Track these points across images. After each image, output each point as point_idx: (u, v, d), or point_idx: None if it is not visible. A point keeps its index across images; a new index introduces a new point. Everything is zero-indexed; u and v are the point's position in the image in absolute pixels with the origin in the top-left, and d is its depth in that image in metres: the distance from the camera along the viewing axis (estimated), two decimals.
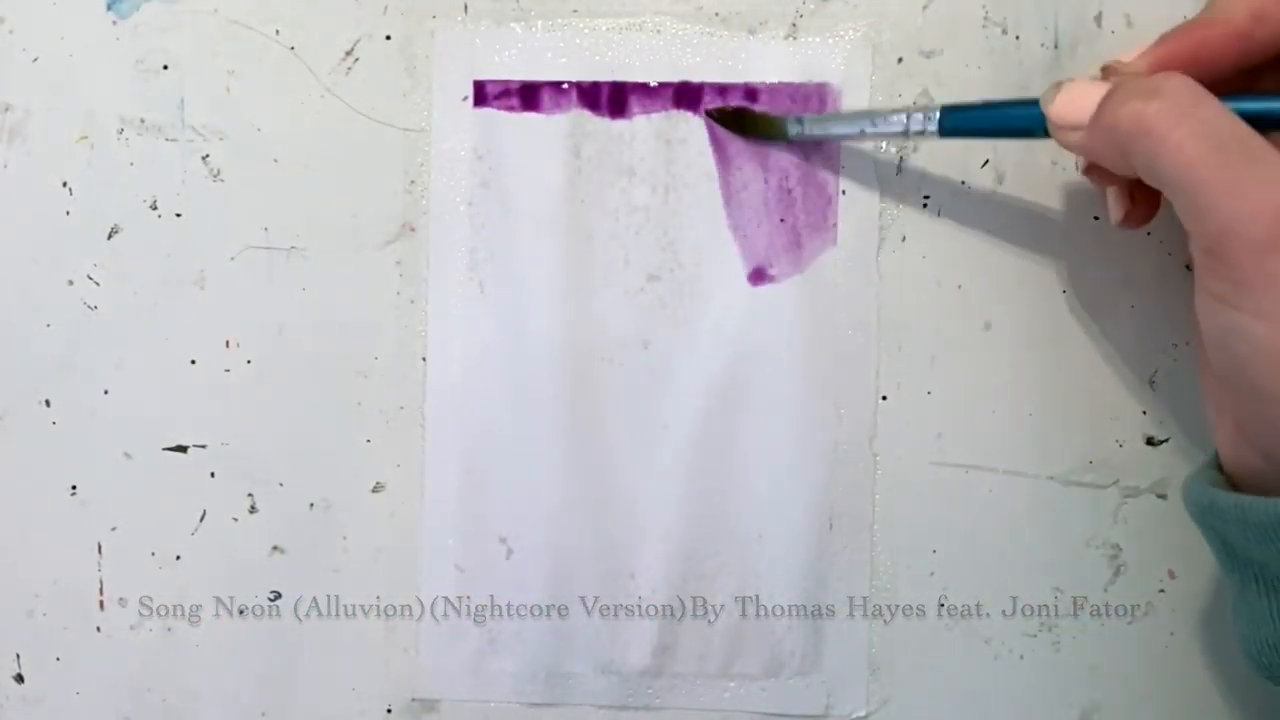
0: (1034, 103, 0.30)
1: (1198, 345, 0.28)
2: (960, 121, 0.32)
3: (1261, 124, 0.27)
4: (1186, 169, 0.25)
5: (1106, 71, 0.29)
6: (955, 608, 0.36)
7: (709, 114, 0.35)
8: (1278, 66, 0.28)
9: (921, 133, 0.32)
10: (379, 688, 0.37)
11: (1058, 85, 0.29)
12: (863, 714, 0.36)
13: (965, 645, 0.36)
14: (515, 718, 0.37)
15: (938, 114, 0.32)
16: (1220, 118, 0.25)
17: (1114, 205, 0.31)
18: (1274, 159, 0.25)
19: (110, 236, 0.37)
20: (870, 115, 0.33)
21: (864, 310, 0.36)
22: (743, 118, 0.35)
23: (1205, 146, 0.25)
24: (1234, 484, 0.29)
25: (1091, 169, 0.31)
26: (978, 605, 0.36)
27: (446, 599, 0.36)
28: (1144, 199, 0.31)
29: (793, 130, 0.34)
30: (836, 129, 0.34)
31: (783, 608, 0.36)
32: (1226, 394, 0.28)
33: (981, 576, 0.36)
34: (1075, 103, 0.28)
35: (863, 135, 0.34)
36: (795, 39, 0.35)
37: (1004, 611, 0.36)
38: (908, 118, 0.32)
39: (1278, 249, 0.24)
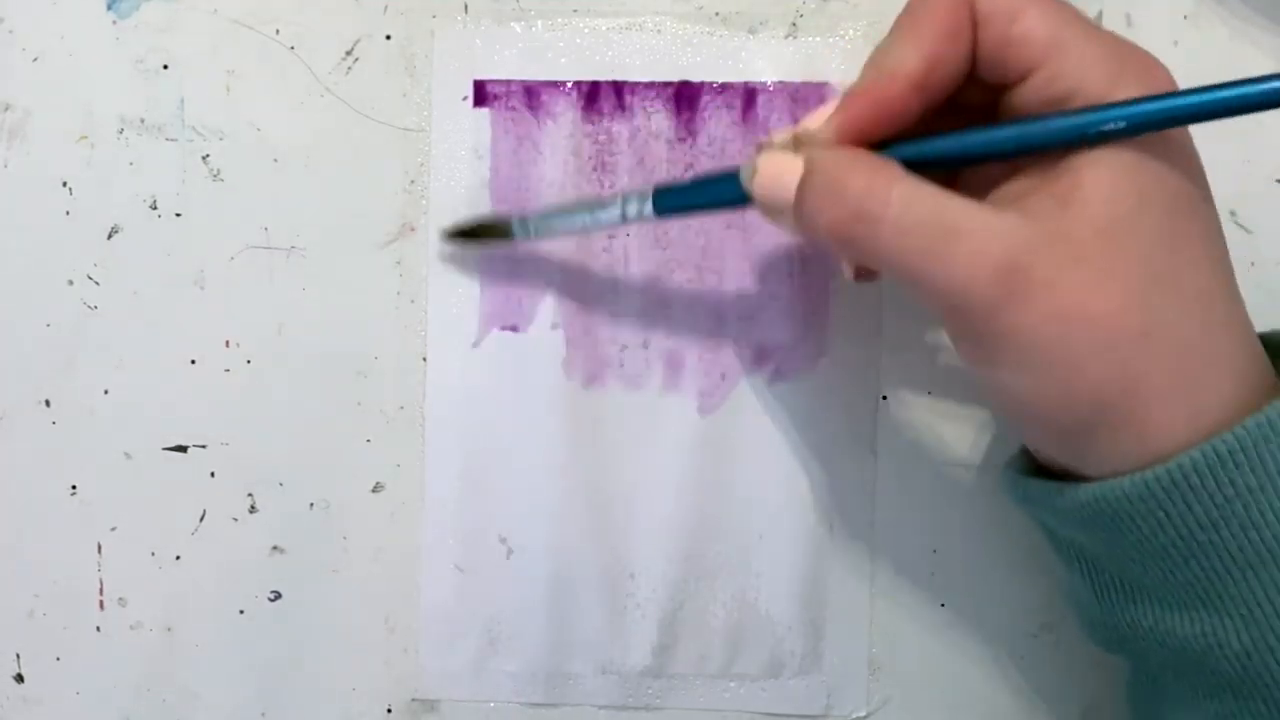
0: (733, 175, 0.29)
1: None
2: (672, 201, 0.31)
3: (947, 163, 0.28)
4: (897, 266, 0.27)
5: (797, 142, 0.28)
6: (955, 608, 0.36)
7: (444, 235, 0.35)
8: (951, 100, 0.28)
9: (639, 215, 0.31)
10: (379, 688, 0.37)
11: (754, 163, 0.29)
12: (863, 714, 0.36)
13: (965, 645, 0.36)
14: (515, 718, 0.37)
15: (650, 198, 0.31)
16: (910, 207, 0.26)
17: (845, 265, 0.31)
18: (973, 223, 0.26)
19: (110, 236, 0.37)
20: (589, 206, 0.33)
21: (864, 310, 0.36)
22: (475, 230, 0.35)
23: (907, 241, 0.26)
24: (1041, 467, 0.30)
25: (808, 244, 0.31)
26: (978, 605, 0.36)
27: (446, 599, 0.36)
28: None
29: (518, 233, 0.34)
30: (560, 224, 0.33)
31: (783, 608, 0.36)
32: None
33: (981, 576, 0.36)
34: (771, 186, 0.28)
35: (585, 229, 0.33)
36: (795, 39, 0.35)
37: (1004, 611, 0.36)
38: (623, 204, 0.31)
39: (1002, 310, 0.26)
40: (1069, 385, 0.26)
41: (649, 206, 0.31)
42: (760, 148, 0.29)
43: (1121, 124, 0.26)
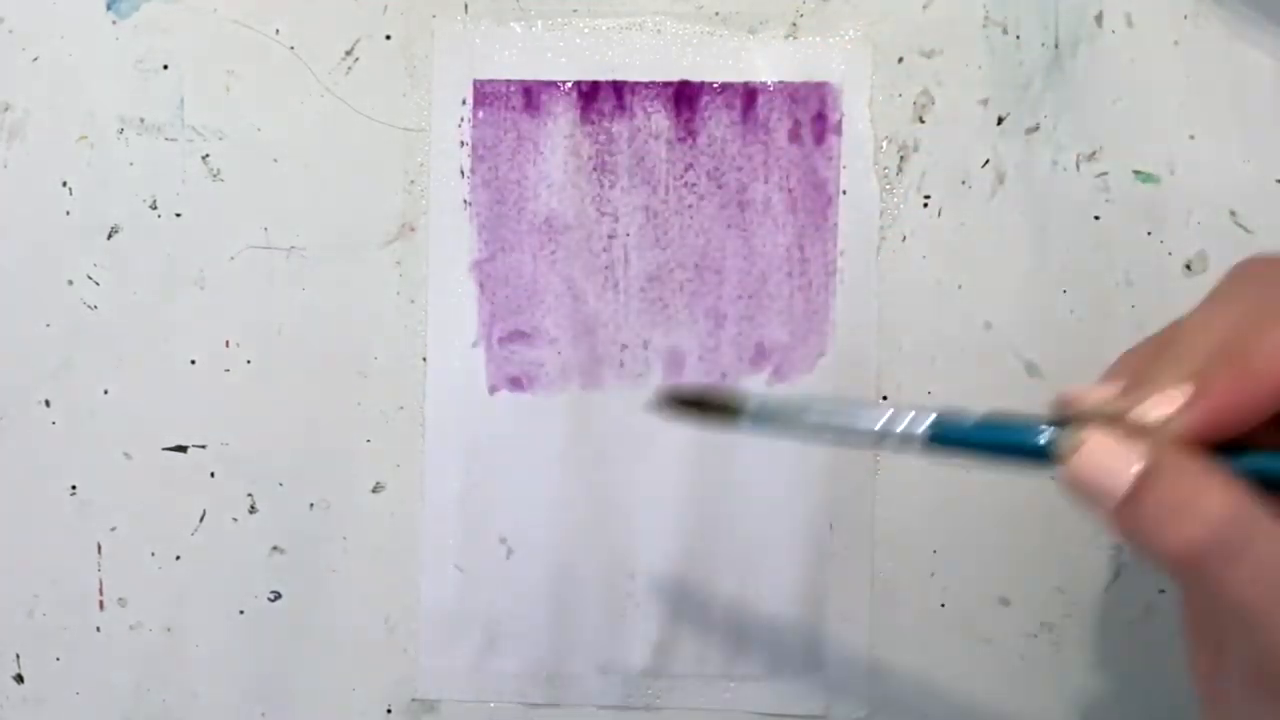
0: (1040, 433, 0.25)
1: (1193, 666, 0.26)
2: (954, 433, 0.26)
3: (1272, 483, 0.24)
4: (1244, 609, 0.23)
5: (1132, 427, 0.24)
6: (955, 608, 0.36)
7: (660, 400, 0.30)
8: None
9: (903, 440, 0.26)
10: (379, 688, 0.37)
11: (1077, 437, 0.24)
12: (863, 714, 0.36)
13: (965, 645, 0.36)
14: (515, 718, 0.37)
15: (929, 421, 0.26)
16: (1276, 547, 0.23)
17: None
18: None
19: (110, 236, 0.37)
20: (843, 410, 0.27)
21: (864, 310, 0.36)
22: (698, 401, 0.29)
23: (1264, 589, 0.23)
24: None
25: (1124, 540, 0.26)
26: (978, 605, 0.36)
27: (446, 599, 0.36)
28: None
29: (751, 417, 0.28)
30: (802, 420, 0.28)
31: (783, 608, 0.36)
32: None
33: (981, 576, 0.36)
34: (1100, 472, 0.24)
35: (829, 433, 0.27)
36: (795, 39, 0.35)
37: (1004, 611, 0.36)
38: (887, 424, 0.26)
39: None
40: None
41: (921, 435, 0.26)
42: (1068, 407, 0.25)
43: None
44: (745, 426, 0.28)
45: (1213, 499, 0.23)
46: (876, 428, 0.26)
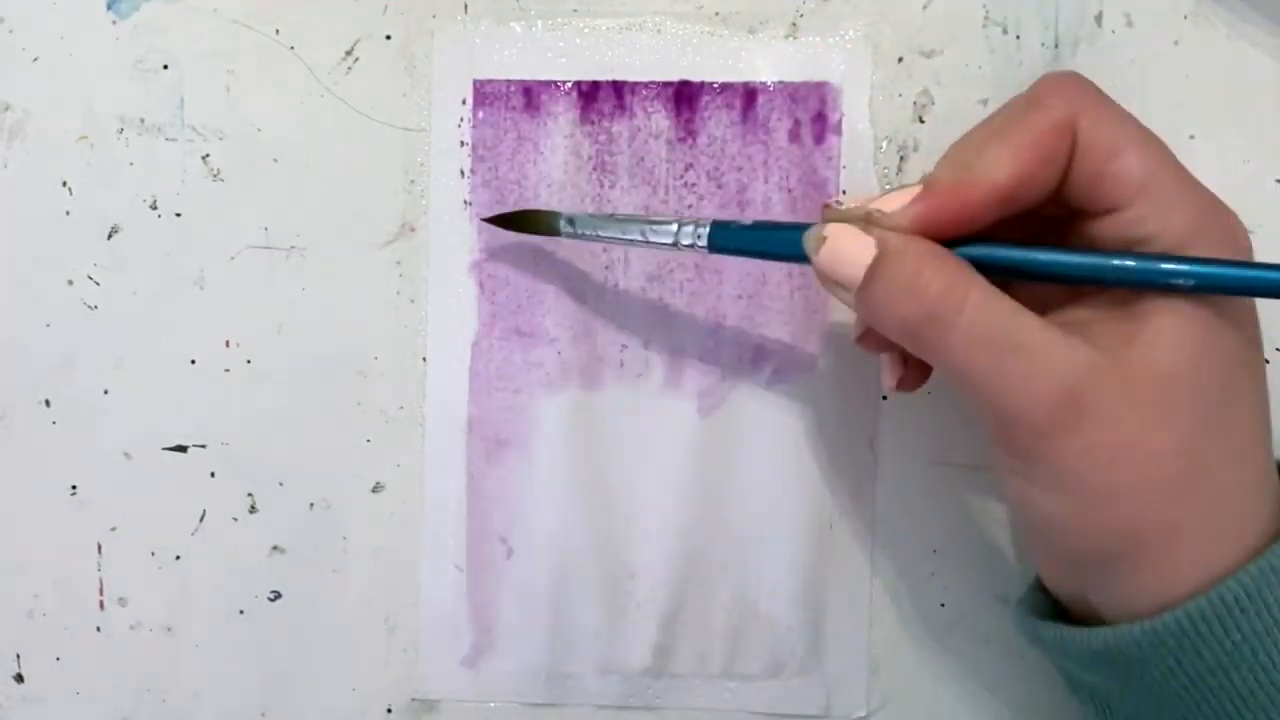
0: (797, 234, 0.29)
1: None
2: (727, 240, 0.30)
3: (1006, 272, 0.27)
4: (960, 371, 0.27)
5: (869, 218, 0.28)
6: (955, 608, 0.36)
7: (484, 220, 0.35)
8: (1026, 215, 0.28)
9: (691, 246, 0.31)
10: (379, 688, 0.37)
11: (822, 232, 0.28)
12: (863, 714, 0.36)
13: (965, 645, 0.36)
14: (515, 718, 0.37)
15: (708, 229, 0.31)
16: (985, 315, 0.26)
17: (886, 372, 0.31)
18: (1039, 344, 0.26)
19: (110, 236, 0.37)
20: (643, 221, 0.32)
21: None
22: (518, 218, 0.34)
23: (972, 350, 0.26)
24: (1056, 604, 0.30)
25: (864, 340, 0.30)
26: (978, 605, 0.36)
27: (446, 599, 0.36)
28: (917, 364, 0.31)
29: (564, 229, 0.33)
30: (607, 231, 0.33)
31: (783, 608, 0.36)
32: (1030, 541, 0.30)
33: (981, 576, 0.36)
34: (839, 261, 0.28)
35: (632, 243, 0.32)
36: (795, 39, 0.35)
37: (1004, 611, 0.36)
38: (677, 229, 0.31)
39: (1053, 434, 0.26)
40: (1103, 517, 0.26)
41: (704, 238, 0.31)
42: (826, 211, 0.29)
43: (1190, 282, 0.26)
44: (560, 235, 0.33)
45: (929, 276, 0.26)
46: (669, 238, 0.31)
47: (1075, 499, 0.27)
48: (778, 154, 0.35)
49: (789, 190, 0.35)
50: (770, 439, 0.36)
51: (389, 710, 0.37)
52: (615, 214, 0.33)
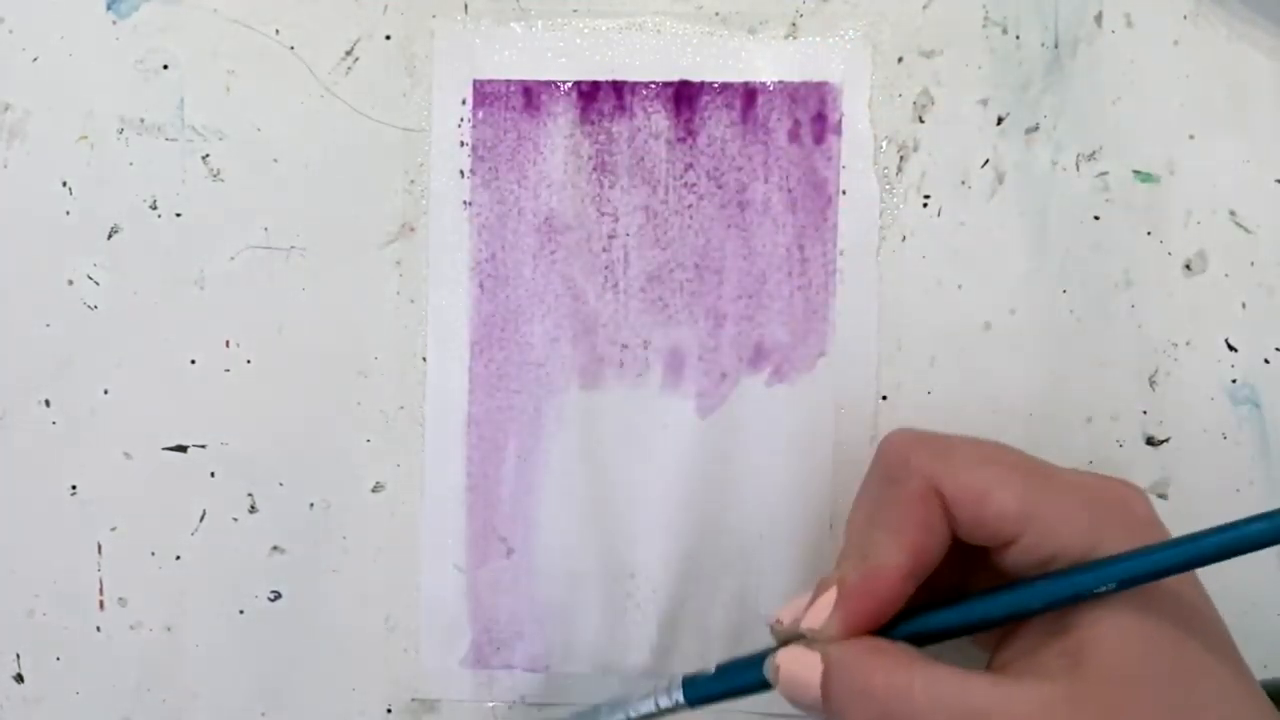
0: (758, 668, 0.30)
1: None
2: (700, 690, 0.31)
3: (949, 634, 0.29)
4: None
5: (806, 639, 0.29)
6: None
7: None
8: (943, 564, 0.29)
9: (673, 708, 0.31)
10: (379, 688, 0.37)
11: (775, 661, 0.29)
12: None
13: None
14: (515, 718, 0.37)
15: (680, 688, 0.31)
16: (936, 693, 0.27)
17: None
18: (998, 701, 0.26)
19: (110, 236, 0.37)
20: (623, 706, 0.32)
21: (864, 310, 0.36)
22: None
23: None
24: None
25: None
26: None
27: (446, 599, 0.36)
28: None
29: None
30: None
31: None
32: None
33: None
34: (796, 686, 0.29)
35: None
36: (795, 39, 0.35)
37: None
38: (655, 701, 0.32)
39: None
40: None
41: (679, 696, 0.31)
42: (772, 630, 0.30)
43: (1113, 585, 0.26)
44: None
45: (874, 683, 0.27)
46: (653, 709, 0.32)
47: None
48: (778, 154, 0.35)
49: (789, 190, 0.35)
50: (770, 439, 0.36)
51: (389, 710, 0.37)
52: (599, 707, 0.33)
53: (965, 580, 0.30)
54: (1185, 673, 0.27)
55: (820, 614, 0.29)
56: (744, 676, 0.31)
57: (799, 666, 0.29)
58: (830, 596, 0.29)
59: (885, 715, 0.27)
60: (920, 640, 0.28)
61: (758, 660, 0.30)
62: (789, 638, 0.30)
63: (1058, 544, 0.27)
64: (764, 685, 0.30)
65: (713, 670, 0.31)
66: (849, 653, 0.28)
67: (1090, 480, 0.29)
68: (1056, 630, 0.27)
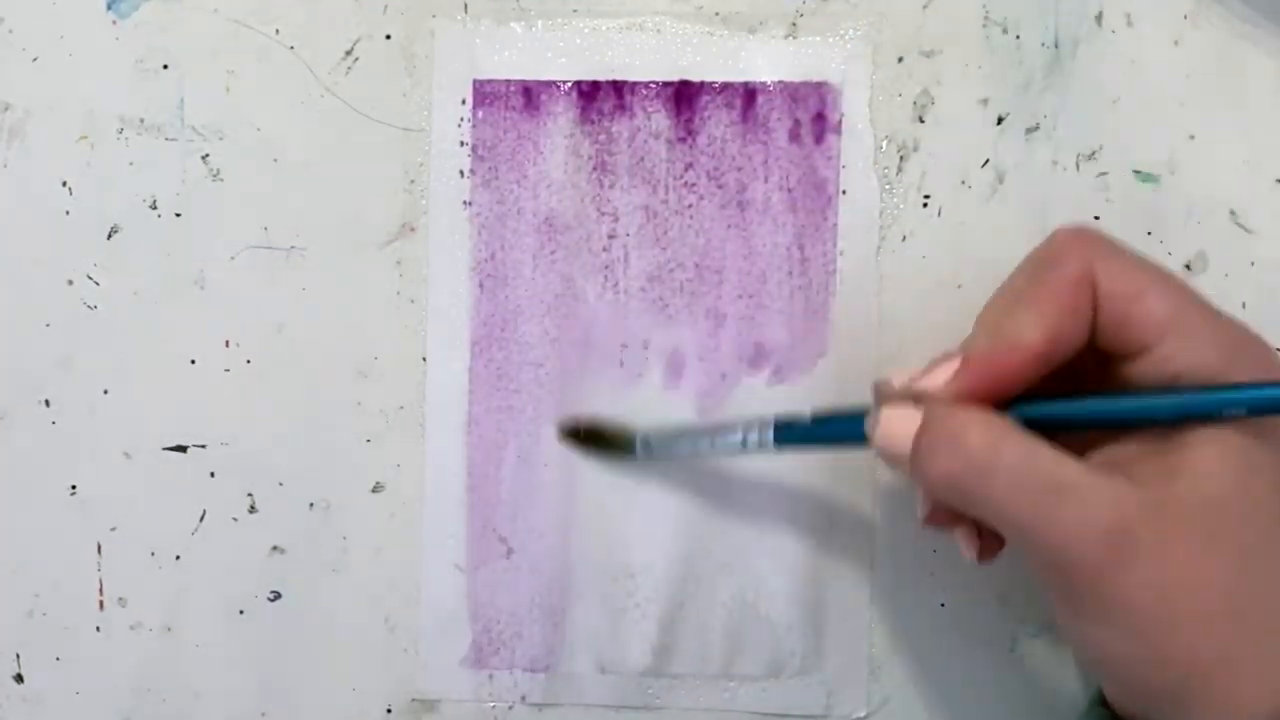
0: (861, 418, 0.30)
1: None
2: (792, 435, 0.31)
3: (1055, 426, 0.28)
4: (1006, 519, 0.27)
5: (916, 397, 0.29)
6: (955, 608, 0.36)
7: (560, 432, 0.36)
8: (1064, 368, 0.29)
9: (759, 445, 0.32)
10: (379, 688, 0.37)
11: (877, 415, 0.29)
12: (862, 714, 0.36)
13: (965, 645, 0.36)
14: (515, 718, 0.37)
15: (771, 429, 0.32)
16: (1023, 462, 0.27)
17: (965, 546, 0.31)
18: (1082, 485, 0.27)
19: (110, 236, 0.37)
20: (710, 432, 0.33)
21: (864, 310, 0.36)
22: (593, 436, 0.35)
23: (1017, 496, 0.27)
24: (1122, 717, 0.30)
25: (931, 517, 0.31)
26: (978, 605, 0.36)
27: (446, 599, 0.36)
28: (991, 533, 0.31)
29: (640, 451, 0.34)
30: (681, 447, 0.34)
31: (783, 608, 0.36)
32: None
33: (981, 576, 0.36)
34: (894, 437, 0.29)
35: (703, 454, 0.33)
36: (795, 38, 0.35)
37: (1004, 611, 0.36)
38: (744, 435, 0.32)
39: (1105, 572, 0.26)
40: (1164, 651, 0.27)
41: (769, 436, 0.31)
42: (878, 392, 0.30)
43: (1243, 410, 0.26)
44: (636, 458, 0.34)
45: (967, 433, 0.27)
46: (737, 441, 0.32)
47: (1133, 635, 0.27)
48: (778, 154, 0.35)
49: (789, 190, 0.35)
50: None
51: (389, 710, 0.37)
52: (685, 429, 0.33)
53: (1080, 391, 0.30)
54: (1273, 511, 0.27)
55: (938, 377, 0.28)
56: (840, 428, 0.31)
57: (898, 421, 0.29)
58: (952, 364, 0.28)
59: (970, 469, 0.27)
60: (1034, 428, 0.28)
61: (857, 415, 0.30)
62: (894, 400, 0.29)
63: (1189, 361, 0.27)
64: (858, 440, 0.30)
65: (808, 417, 0.31)
66: (951, 408, 0.28)
67: (1235, 322, 0.28)
68: (1158, 446, 0.27)
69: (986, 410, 0.28)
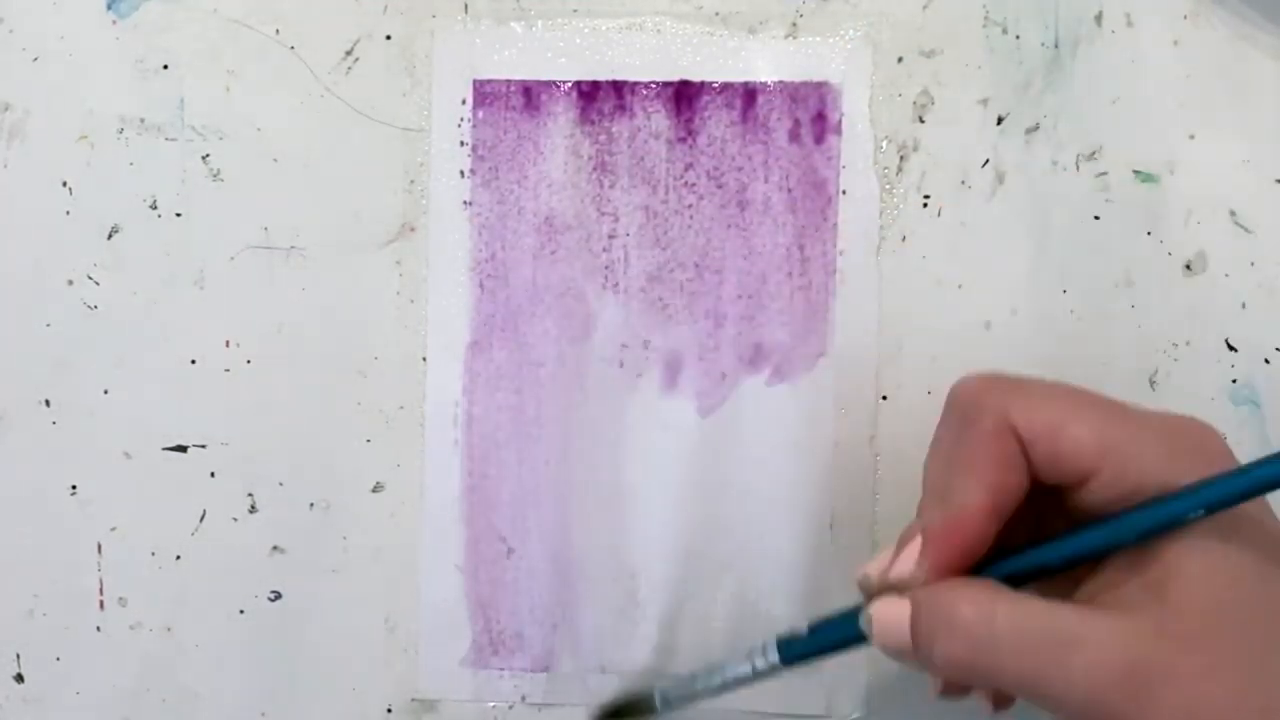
0: (856, 616, 0.29)
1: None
2: (797, 650, 0.31)
3: (1030, 577, 0.28)
4: (1019, 684, 0.27)
5: (896, 586, 0.28)
6: None
7: (592, 716, 0.35)
8: (1021, 511, 0.29)
9: (767, 667, 0.31)
10: (379, 688, 0.37)
11: (869, 612, 0.29)
12: (862, 714, 0.36)
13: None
14: (515, 718, 0.37)
15: (775, 650, 0.31)
16: (1021, 623, 0.27)
17: (983, 706, 0.31)
18: (1084, 633, 0.26)
19: (110, 236, 0.37)
20: (719, 669, 0.32)
21: (864, 310, 0.36)
22: (617, 711, 0.35)
23: (1023, 660, 0.26)
24: None
25: (945, 690, 0.31)
26: None
27: (446, 599, 0.36)
28: (1005, 695, 0.31)
29: (661, 709, 0.34)
30: (698, 689, 0.33)
31: (783, 608, 0.36)
32: None
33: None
34: (890, 631, 0.28)
35: (718, 691, 0.33)
36: (795, 39, 0.35)
37: None
38: (752, 664, 0.32)
39: (1128, 712, 0.26)
40: None
41: (775, 658, 0.31)
42: (863, 588, 0.30)
43: (1202, 511, 0.26)
44: (659, 716, 0.34)
45: (960, 611, 0.27)
46: (747, 671, 0.32)
47: None
48: (778, 154, 0.35)
49: (789, 190, 0.35)
50: (770, 439, 0.36)
51: (389, 710, 0.37)
52: (695, 674, 0.33)
53: (1041, 529, 0.29)
54: (1271, 601, 0.27)
55: (907, 563, 0.28)
56: (838, 632, 0.30)
57: (890, 614, 0.28)
58: (916, 545, 0.28)
59: (972, 646, 0.27)
60: (1011, 584, 0.28)
61: (850, 615, 0.30)
62: (878, 591, 0.29)
63: (1137, 478, 0.27)
64: (858, 640, 0.30)
65: (805, 630, 0.31)
66: (935, 590, 0.28)
67: (1163, 416, 0.28)
68: (1137, 566, 0.27)
69: (967, 581, 0.28)
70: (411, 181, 0.36)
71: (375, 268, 0.36)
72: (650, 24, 0.36)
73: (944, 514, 0.28)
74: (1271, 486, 0.26)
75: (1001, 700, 0.30)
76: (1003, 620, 0.27)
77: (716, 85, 0.35)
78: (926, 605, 0.28)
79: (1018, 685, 0.27)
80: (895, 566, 0.29)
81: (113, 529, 0.37)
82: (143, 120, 0.36)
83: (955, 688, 0.30)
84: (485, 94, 0.36)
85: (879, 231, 0.36)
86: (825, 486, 0.36)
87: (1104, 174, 0.35)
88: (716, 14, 0.36)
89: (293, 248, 0.36)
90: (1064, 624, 0.26)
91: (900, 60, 0.35)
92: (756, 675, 0.32)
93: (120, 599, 0.37)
